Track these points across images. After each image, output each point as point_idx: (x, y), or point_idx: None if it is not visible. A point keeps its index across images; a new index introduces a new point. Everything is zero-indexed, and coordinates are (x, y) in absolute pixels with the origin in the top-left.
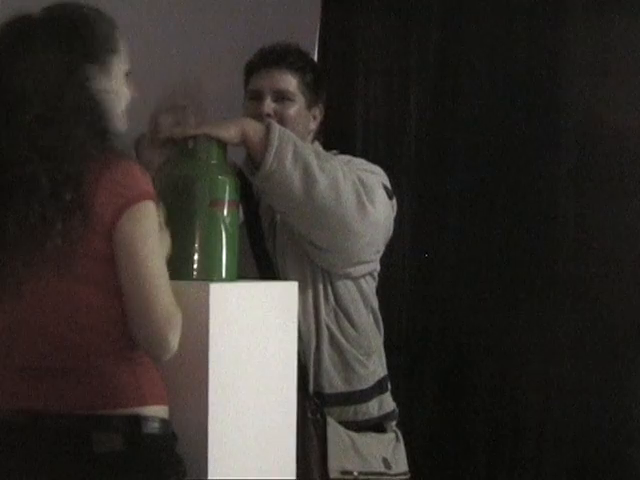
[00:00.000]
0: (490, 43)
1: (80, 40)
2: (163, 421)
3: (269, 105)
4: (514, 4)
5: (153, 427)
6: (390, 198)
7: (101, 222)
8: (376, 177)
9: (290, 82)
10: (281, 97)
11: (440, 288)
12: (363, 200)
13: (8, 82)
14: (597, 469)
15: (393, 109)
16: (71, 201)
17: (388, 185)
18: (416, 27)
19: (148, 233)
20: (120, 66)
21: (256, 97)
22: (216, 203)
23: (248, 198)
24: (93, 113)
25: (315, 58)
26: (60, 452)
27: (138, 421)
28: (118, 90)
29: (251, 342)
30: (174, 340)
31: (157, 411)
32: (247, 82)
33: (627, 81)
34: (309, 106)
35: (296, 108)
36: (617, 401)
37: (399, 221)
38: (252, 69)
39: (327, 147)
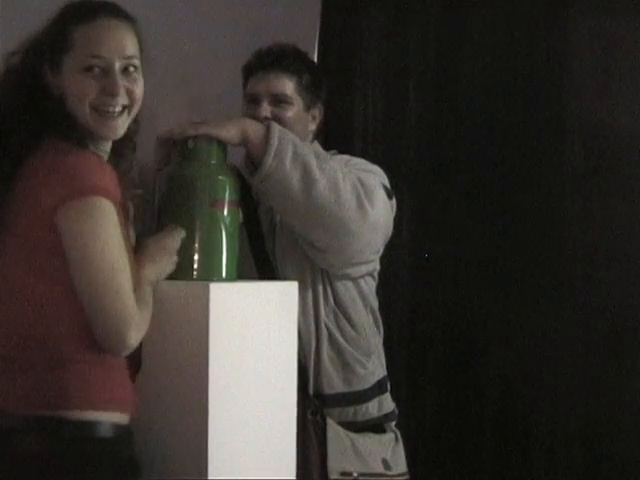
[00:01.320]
0: (491, 43)
1: (56, 29)
2: (86, 424)
3: (266, 109)
4: (515, 4)
5: (76, 430)
6: (390, 198)
7: (42, 212)
8: (376, 177)
9: (287, 85)
10: (278, 100)
11: (440, 288)
12: (362, 201)
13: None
14: (608, 471)
15: (393, 109)
16: (21, 192)
17: (388, 185)
18: (416, 27)
19: (97, 230)
20: (73, 63)
21: (253, 101)
22: (216, 203)
23: (248, 199)
24: (43, 108)
25: (315, 58)
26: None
27: (58, 423)
28: (75, 85)
29: (251, 342)
30: (130, 338)
31: (82, 414)
32: (245, 85)
33: (633, 82)
34: (307, 108)
35: (294, 111)
36: (627, 398)
37: (399, 221)
38: (249, 72)
39: (327, 147)
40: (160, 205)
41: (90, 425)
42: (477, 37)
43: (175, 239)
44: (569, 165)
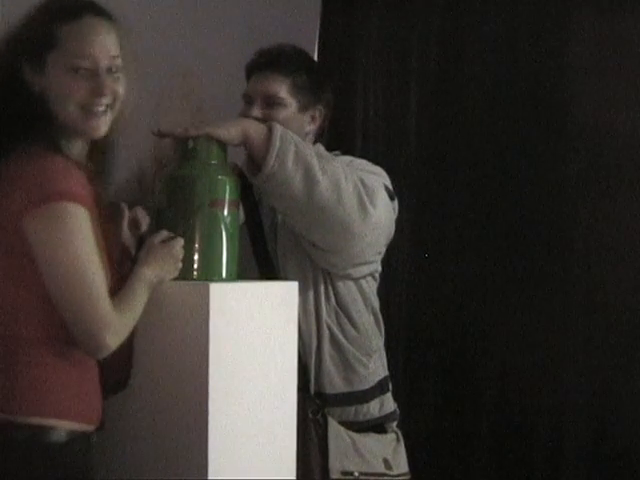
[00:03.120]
0: (492, 43)
1: (43, 28)
2: (38, 429)
3: (258, 110)
4: (516, 4)
5: (29, 436)
6: (392, 199)
7: (10, 218)
8: (378, 178)
9: (280, 86)
10: (271, 102)
11: (440, 288)
12: (364, 201)
13: None
14: (608, 470)
15: (393, 109)
16: None
17: (390, 186)
18: (416, 27)
19: (65, 236)
20: (57, 62)
21: (248, 101)
22: (216, 203)
23: (249, 198)
24: (21, 106)
25: (315, 58)
26: None
27: (9, 429)
28: (60, 84)
29: (251, 342)
30: (107, 341)
31: (33, 419)
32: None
33: (635, 81)
34: (303, 109)
35: (287, 113)
36: (628, 398)
37: (399, 221)
38: (248, 72)
39: (327, 147)
40: (160, 205)
41: (41, 430)
42: (477, 37)
43: (182, 246)
44: (569, 165)
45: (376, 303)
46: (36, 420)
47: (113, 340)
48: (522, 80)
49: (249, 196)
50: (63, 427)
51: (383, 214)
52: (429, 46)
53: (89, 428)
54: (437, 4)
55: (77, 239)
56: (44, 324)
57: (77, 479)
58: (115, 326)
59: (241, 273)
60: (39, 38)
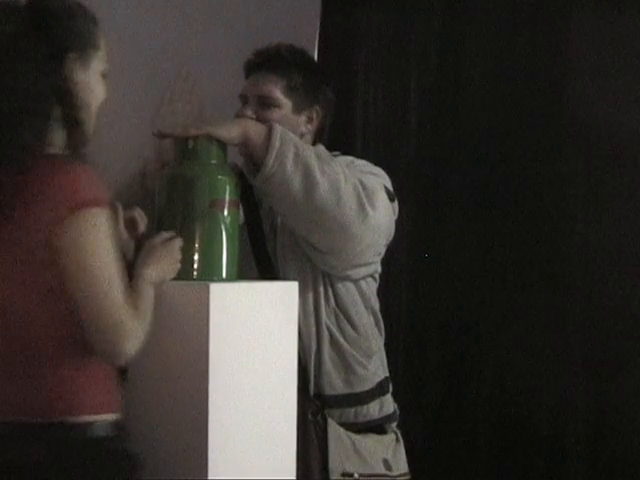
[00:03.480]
0: (492, 44)
1: (61, 29)
2: (92, 425)
3: (250, 111)
4: (517, 4)
5: (83, 433)
6: (392, 201)
7: (37, 226)
8: (378, 179)
9: (274, 87)
10: (264, 102)
11: (440, 288)
12: (364, 203)
13: None
14: (610, 473)
15: (393, 109)
16: (18, 203)
17: (390, 187)
18: (416, 27)
19: (93, 242)
20: (98, 63)
21: (244, 102)
22: (216, 203)
23: (249, 199)
24: (66, 104)
25: (315, 58)
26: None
27: (66, 427)
28: (94, 87)
29: (251, 342)
30: (126, 347)
31: (86, 417)
32: None
33: (635, 81)
34: (298, 110)
35: (280, 113)
36: (628, 398)
37: (399, 222)
38: (245, 72)
39: (327, 148)
40: (160, 205)
41: (84, 426)
42: (478, 37)
43: (180, 246)
44: (569, 165)
45: (376, 304)
46: (79, 418)
47: (133, 346)
48: (522, 80)
49: (249, 196)
50: (103, 420)
51: (382, 215)
52: (429, 46)
53: (120, 417)
54: (437, 4)
55: (107, 245)
56: (68, 326)
57: (126, 467)
58: (134, 332)
59: (241, 273)
60: (89, 37)
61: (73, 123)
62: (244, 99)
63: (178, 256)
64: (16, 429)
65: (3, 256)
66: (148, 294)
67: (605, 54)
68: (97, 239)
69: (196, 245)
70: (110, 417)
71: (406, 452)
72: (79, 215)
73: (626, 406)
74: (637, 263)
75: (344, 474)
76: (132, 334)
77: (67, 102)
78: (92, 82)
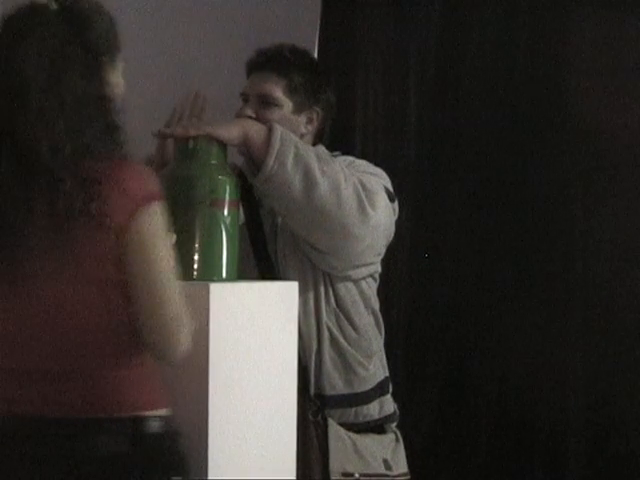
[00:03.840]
0: (492, 43)
1: (94, 32)
2: (163, 419)
3: (251, 110)
4: (516, 4)
5: (155, 427)
6: (392, 201)
7: (112, 223)
8: (378, 180)
9: (274, 86)
10: (265, 102)
11: (440, 288)
12: (364, 203)
13: (22, 70)
14: (610, 473)
15: (393, 109)
16: (85, 203)
17: (390, 188)
18: (416, 27)
19: (159, 234)
20: (120, 64)
21: (244, 100)
22: (216, 203)
23: (249, 200)
24: (105, 107)
25: (315, 58)
26: (61, 458)
27: (141, 422)
28: (121, 89)
29: (251, 342)
30: (185, 342)
31: (157, 412)
32: None
33: (635, 81)
34: (299, 110)
35: (280, 113)
36: (628, 399)
37: (399, 222)
38: (247, 71)
39: (327, 148)
40: None
41: (165, 419)
42: (477, 37)
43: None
44: (569, 165)
45: (376, 304)
46: (138, 412)
47: (188, 342)
48: (522, 80)
49: (249, 196)
50: (161, 415)
51: (383, 216)
52: (429, 46)
53: (169, 413)
54: (437, 4)
55: (165, 238)
56: (126, 324)
57: (179, 462)
58: (189, 327)
59: (241, 273)
60: (113, 36)
61: (113, 126)
62: (245, 98)
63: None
64: (87, 425)
65: (71, 254)
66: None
67: (605, 54)
68: (161, 231)
69: (196, 245)
70: (164, 412)
71: (406, 452)
72: (144, 209)
73: (626, 406)
74: (637, 263)
75: (344, 474)
76: (189, 330)
77: (106, 106)
78: (120, 84)
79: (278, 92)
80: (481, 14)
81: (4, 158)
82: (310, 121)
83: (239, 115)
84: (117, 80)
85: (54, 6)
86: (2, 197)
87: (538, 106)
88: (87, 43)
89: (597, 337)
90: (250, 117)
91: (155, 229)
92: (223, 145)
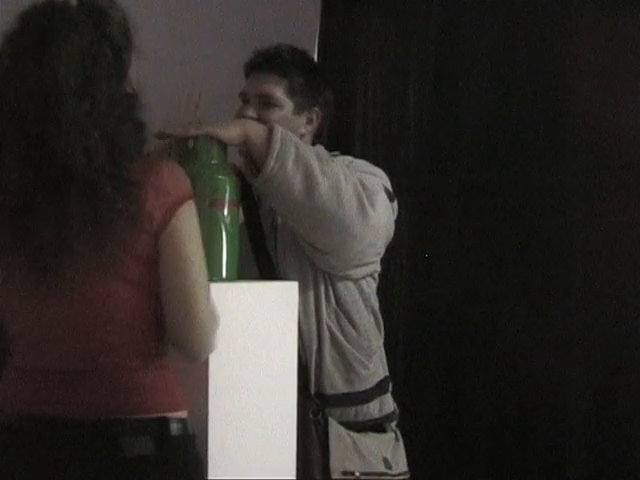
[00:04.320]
0: (491, 43)
1: (114, 28)
2: (185, 422)
3: (252, 110)
4: (515, 4)
5: (178, 429)
6: (391, 201)
7: (150, 223)
8: (377, 180)
9: (275, 87)
10: (266, 102)
11: (440, 288)
12: (364, 203)
13: (54, 74)
14: (610, 472)
15: (393, 109)
16: (125, 205)
17: (389, 187)
18: (416, 27)
19: (193, 233)
20: (135, 62)
21: (244, 101)
22: (216, 203)
23: (249, 200)
24: (133, 105)
25: (315, 58)
26: (87, 459)
27: (166, 423)
28: (138, 83)
29: (251, 342)
30: (212, 343)
31: (180, 413)
32: None
33: (635, 81)
34: (299, 110)
35: (281, 114)
36: (629, 401)
37: (399, 222)
38: (246, 72)
39: (326, 148)
40: None
41: (186, 421)
42: (477, 37)
43: None
44: (569, 165)
45: (376, 304)
46: (164, 413)
47: (215, 339)
48: (522, 80)
49: (248, 196)
50: (181, 416)
51: (383, 215)
52: (428, 46)
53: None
54: (436, 4)
55: (198, 236)
56: (155, 324)
57: (198, 465)
58: (216, 327)
59: (241, 273)
60: (130, 34)
61: (140, 124)
62: (245, 98)
63: None
64: (113, 426)
65: (106, 255)
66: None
67: (605, 54)
68: (195, 230)
69: None
70: (184, 414)
71: (406, 451)
72: (181, 209)
73: (626, 406)
74: (638, 263)
75: (345, 473)
76: (215, 329)
77: (133, 104)
78: (137, 80)
79: (279, 93)
80: (480, 14)
81: (34, 165)
82: (310, 121)
83: (239, 116)
84: (134, 77)
85: (74, 2)
86: (31, 202)
87: (538, 106)
88: (110, 40)
89: (597, 337)
90: (253, 118)
91: (190, 228)
92: (223, 145)
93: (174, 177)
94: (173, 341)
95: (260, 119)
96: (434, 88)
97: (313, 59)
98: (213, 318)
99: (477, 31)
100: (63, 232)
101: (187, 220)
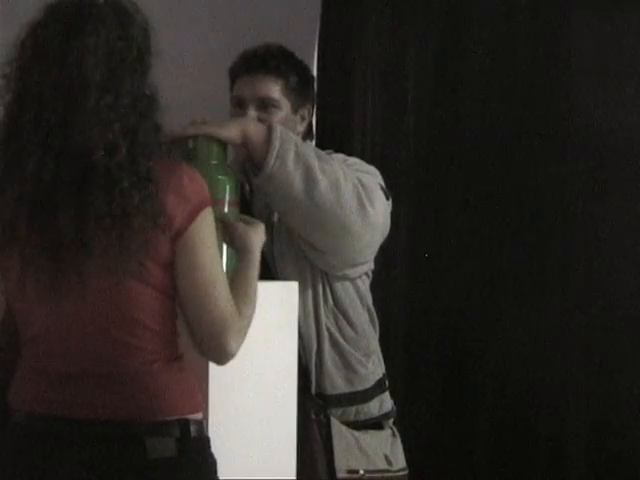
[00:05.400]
0: (491, 44)
1: (138, 29)
2: (202, 423)
3: (252, 115)
4: (516, 4)
5: (197, 430)
6: (387, 199)
7: (170, 226)
8: (373, 178)
9: (273, 88)
10: (265, 104)
11: (440, 288)
12: (364, 202)
13: (80, 65)
14: (611, 470)
15: (392, 110)
16: (142, 202)
17: (384, 185)
18: (416, 28)
19: (211, 238)
20: (150, 68)
21: (240, 104)
22: (216, 203)
23: (241, 199)
24: (154, 105)
25: (315, 58)
26: (109, 461)
27: (187, 425)
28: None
29: (251, 342)
30: (234, 345)
31: (198, 415)
32: (232, 87)
33: (635, 81)
34: (296, 109)
35: (281, 115)
36: (629, 401)
37: (399, 221)
38: (235, 74)
39: (325, 147)
40: None
41: (202, 423)
42: (477, 37)
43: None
44: (569, 165)
45: (370, 300)
46: (185, 415)
47: (238, 344)
48: (522, 80)
49: (241, 197)
50: (198, 417)
51: (381, 214)
52: (428, 47)
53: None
54: (436, 6)
55: (215, 242)
56: (172, 332)
57: (215, 466)
58: (240, 329)
59: None
60: (150, 36)
61: (159, 125)
62: (239, 101)
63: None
64: (135, 429)
65: (122, 254)
66: (255, 282)
67: (605, 54)
68: (213, 236)
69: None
70: (201, 416)
71: (406, 450)
72: (201, 215)
73: (626, 406)
74: (638, 264)
75: (350, 471)
76: (240, 333)
77: (154, 105)
78: (154, 87)
79: (277, 94)
80: (480, 16)
81: (55, 155)
82: (303, 119)
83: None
84: (151, 80)
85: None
86: (50, 195)
87: (538, 106)
88: (134, 39)
89: (597, 338)
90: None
91: (208, 234)
92: (223, 145)
93: (195, 182)
94: (197, 346)
95: (261, 121)
96: (433, 88)
97: (298, 57)
98: (229, 324)
99: (477, 32)
100: (82, 226)
101: (205, 226)
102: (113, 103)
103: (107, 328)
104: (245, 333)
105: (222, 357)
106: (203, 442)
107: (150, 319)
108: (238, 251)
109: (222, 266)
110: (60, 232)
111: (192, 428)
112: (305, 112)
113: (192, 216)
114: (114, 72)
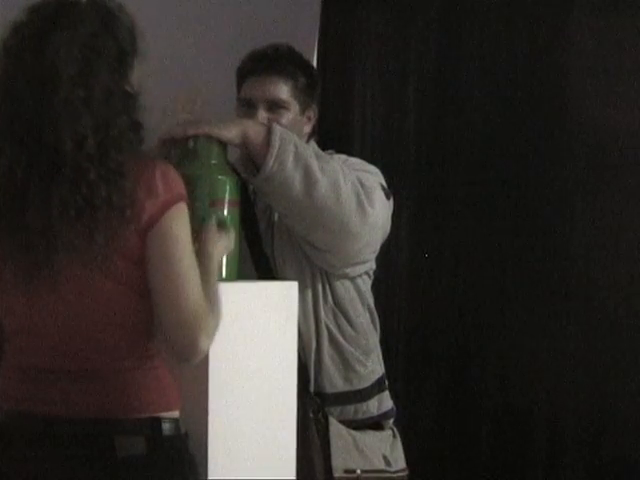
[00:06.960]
0: (491, 43)
1: (122, 29)
2: (177, 421)
3: (262, 116)
4: (516, 4)
5: (170, 429)
6: (387, 198)
7: (139, 219)
8: (374, 177)
9: (282, 90)
10: (274, 106)
11: (440, 288)
12: (363, 201)
13: (53, 58)
14: (610, 471)
15: (393, 109)
16: (110, 195)
17: (385, 185)
18: (416, 27)
19: (183, 234)
20: (139, 70)
21: (249, 105)
22: (216, 203)
23: (244, 198)
24: (131, 103)
25: (315, 58)
26: (79, 458)
27: (159, 424)
28: (140, 86)
29: (251, 342)
30: (204, 343)
31: (173, 413)
32: (239, 88)
33: (633, 82)
34: (303, 110)
35: (290, 116)
36: (628, 402)
37: (399, 221)
38: (243, 75)
39: (326, 147)
40: None
41: (178, 421)
42: (477, 37)
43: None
44: (569, 165)
45: (371, 300)
46: (156, 414)
47: (208, 343)
48: (521, 80)
49: (244, 196)
50: (173, 416)
51: (380, 213)
52: (428, 46)
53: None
54: (436, 5)
55: (187, 238)
56: (147, 328)
57: (191, 465)
58: (211, 327)
59: (241, 273)
60: (136, 38)
61: (137, 123)
62: (248, 102)
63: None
64: (105, 426)
65: (92, 249)
66: (215, 279)
67: (605, 54)
68: (185, 231)
69: (196, 245)
70: (177, 414)
71: (406, 451)
72: (171, 211)
73: (626, 408)
74: (637, 264)
75: (347, 471)
76: (210, 331)
77: (132, 103)
78: (138, 84)
79: (287, 95)
80: (480, 15)
81: (27, 149)
82: (309, 120)
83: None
84: (137, 82)
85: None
86: (22, 189)
87: (538, 106)
88: (115, 37)
89: (597, 338)
90: (262, 122)
91: (179, 229)
92: (223, 145)
93: (167, 177)
94: (167, 342)
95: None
96: (433, 88)
97: (307, 58)
98: (200, 322)
99: (477, 32)
100: (49, 218)
101: (176, 221)
102: (85, 96)
103: (78, 324)
104: (214, 334)
105: (192, 354)
106: (178, 440)
107: (121, 316)
108: (195, 253)
109: (195, 263)
110: (30, 225)
111: (165, 426)
112: (311, 113)
113: (162, 210)
114: (89, 67)
